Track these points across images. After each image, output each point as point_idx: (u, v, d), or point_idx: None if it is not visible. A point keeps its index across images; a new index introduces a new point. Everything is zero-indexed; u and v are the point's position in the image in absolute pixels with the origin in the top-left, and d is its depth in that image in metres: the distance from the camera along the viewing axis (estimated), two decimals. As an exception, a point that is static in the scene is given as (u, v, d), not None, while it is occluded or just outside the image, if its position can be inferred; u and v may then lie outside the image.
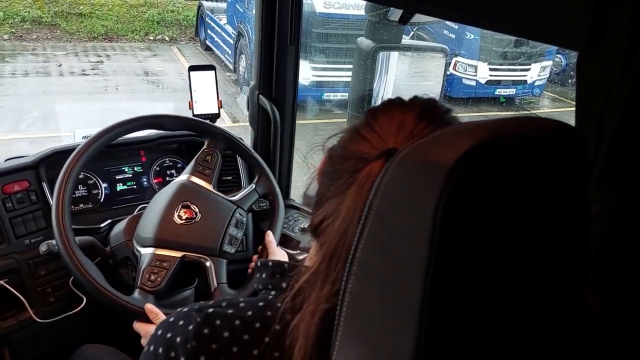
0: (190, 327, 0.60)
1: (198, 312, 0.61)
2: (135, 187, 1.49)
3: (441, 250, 0.33)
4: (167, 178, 1.54)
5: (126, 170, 1.49)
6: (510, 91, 6.76)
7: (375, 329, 0.38)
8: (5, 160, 1.33)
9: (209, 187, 1.24)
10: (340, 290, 0.40)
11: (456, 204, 0.33)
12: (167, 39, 9.06)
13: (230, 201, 1.25)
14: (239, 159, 1.52)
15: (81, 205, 1.40)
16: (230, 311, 0.61)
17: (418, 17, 1.02)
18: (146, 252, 1.14)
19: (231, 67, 7.21)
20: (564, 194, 0.39)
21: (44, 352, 1.35)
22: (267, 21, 1.44)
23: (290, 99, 1.57)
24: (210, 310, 0.61)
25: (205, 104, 1.50)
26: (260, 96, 1.56)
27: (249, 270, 1.27)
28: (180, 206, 1.18)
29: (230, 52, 7.25)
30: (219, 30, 7.68)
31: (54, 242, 1.10)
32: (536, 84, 6.79)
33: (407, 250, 0.35)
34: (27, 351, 1.31)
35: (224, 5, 7.86)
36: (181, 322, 0.61)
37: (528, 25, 0.67)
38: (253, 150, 1.37)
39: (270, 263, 0.67)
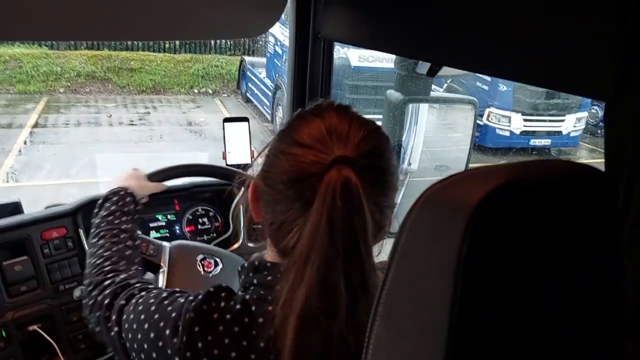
0: (193, 304, 0.67)
1: (203, 292, 0.69)
2: (168, 235, 1.52)
3: (465, 290, 0.33)
4: (199, 227, 1.56)
5: (160, 218, 1.52)
6: (545, 142, 6.74)
7: None
8: (46, 208, 1.38)
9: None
10: (367, 331, 0.39)
11: (480, 242, 0.33)
12: (210, 91, 9.51)
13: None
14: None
15: None
16: (223, 294, 0.68)
17: (445, 70, 1.05)
18: None
19: (269, 117, 7.49)
20: (592, 238, 0.38)
21: None
22: (299, 75, 1.48)
23: None
24: (212, 289, 0.69)
25: (238, 154, 1.54)
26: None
27: None
28: (201, 257, 1.20)
29: (268, 103, 7.56)
30: (259, 83, 8.05)
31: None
32: (571, 134, 6.76)
33: (431, 291, 0.35)
34: None
35: (263, 60, 8.27)
36: (191, 297, 0.69)
37: (554, 77, 0.67)
38: None
39: (245, 265, 0.72)
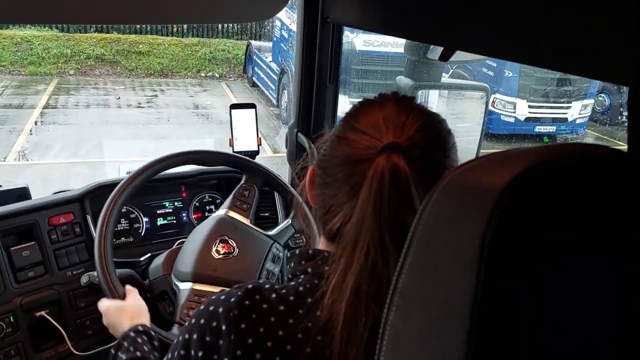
0: (232, 299, 0.64)
1: (238, 288, 0.66)
2: (175, 221, 1.52)
3: (489, 275, 0.32)
4: (206, 213, 1.55)
5: (167, 205, 1.51)
6: (551, 128, 6.74)
7: (417, 357, 0.37)
8: (53, 194, 1.38)
9: (246, 221, 1.24)
10: (382, 321, 0.39)
11: (506, 226, 0.33)
12: (217, 75, 9.57)
13: (267, 236, 1.24)
14: (276, 195, 1.53)
15: (122, 238, 1.43)
16: (267, 286, 0.65)
17: (458, 56, 1.02)
18: (184, 287, 1.13)
19: (274, 102, 7.55)
20: (619, 219, 0.37)
21: None
22: (307, 60, 1.46)
23: None
24: (250, 286, 0.65)
25: (245, 141, 1.53)
26: (299, 134, 1.56)
27: None
28: (218, 241, 1.18)
29: (274, 87, 7.61)
30: (265, 67, 8.09)
31: (95, 274, 1.12)
32: (577, 122, 6.75)
33: (452, 277, 0.34)
34: None
35: (270, 44, 8.30)
36: (223, 297, 0.66)
37: (575, 61, 0.65)
38: (290, 186, 1.38)
39: (296, 252, 0.70)
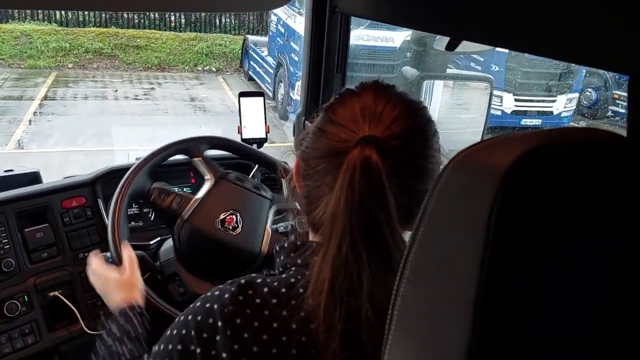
0: (226, 296, 0.65)
1: (231, 284, 0.67)
2: None
3: (495, 250, 0.34)
4: None
5: (176, 190, 1.50)
6: (536, 121, 6.89)
7: (427, 330, 0.38)
8: (65, 178, 1.41)
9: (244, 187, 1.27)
10: (393, 293, 0.40)
11: (511, 205, 0.34)
12: (214, 69, 9.72)
13: (265, 197, 1.27)
14: (284, 182, 1.59)
15: (133, 223, 1.45)
16: (259, 280, 0.66)
17: (464, 46, 1.03)
18: None
19: (271, 95, 7.70)
20: (619, 202, 0.38)
21: None
22: (315, 50, 1.47)
23: None
24: (243, 281, 0.66)
25: (253, 129, 1.53)
26: (307, 122, 1.56)
27: None
28: (221, 217, 1.20)
29: (270, 81, 7.77)
30: (261, 61, 8.26)
31: (108, 254, 1.15)
32: (562, 115, 6.91)
33: (460, 252, 0.36)
34: None
35: (266, 39, 8.46)
36: (217, 293, 0.66)
37: (577, 50, 0.66)
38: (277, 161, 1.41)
39: (285, 245, 0.72)
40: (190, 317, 0.67)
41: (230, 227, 1.19)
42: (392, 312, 0.40)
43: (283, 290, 0.64)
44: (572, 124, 7.25)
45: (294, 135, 1.66)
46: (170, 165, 1.41)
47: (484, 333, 0.34)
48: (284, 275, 0.67)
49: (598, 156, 0.38)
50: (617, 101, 7.58)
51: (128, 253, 1.11)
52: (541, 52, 0.75)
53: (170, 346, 0.67)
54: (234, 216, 1.21)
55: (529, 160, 0.35)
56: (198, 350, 0.64)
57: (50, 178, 1.45)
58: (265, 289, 0.65)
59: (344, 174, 0.59)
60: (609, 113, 7.80)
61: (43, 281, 1.26)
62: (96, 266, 1.09)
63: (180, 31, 10.42)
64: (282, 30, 7.35)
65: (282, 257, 0.71)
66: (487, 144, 0.39)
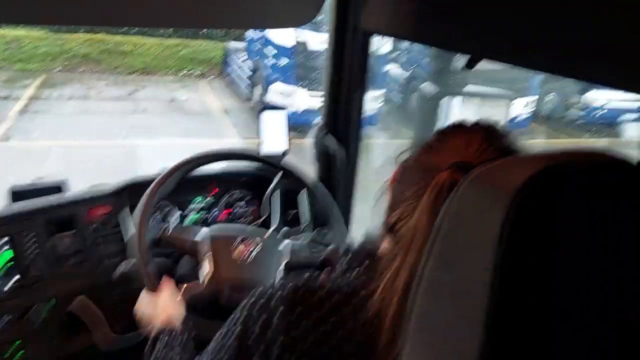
0: (290, 285, 0.68)
1: (287, 280, 0.71)
2: (206, 217, 1.60)
3: (506, 262, 0.35)
4: (237, 209, 1.64)
5: (198, 200, 1.57)
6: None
7: (442, 340, 0.39)
8: (90, 187, 1.45)
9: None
10: (409, 301, 0.41)
11: (522, 222, 0.35)
12: (197, 74, 10.08)
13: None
14: (305, 195, 1.53)
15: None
16: (322, 276, 0.70)
17: (483, 64, 1.03)
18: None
19: (249, 97, 8.09)
20: (628, 222, 0.39)
21: None
22: (336, 66, 1.51)
23: (355, 140, 1.60)
24: (307, 275, 0.71)
25: (272, 144, 1.52)
26: (326, 136, 1.60)
27: None
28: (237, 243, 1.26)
29: (248, 84, 8.15)
30: (240, 65, 8.67)
31: (132, 261, 1.19)
32: (521, 118, 7.25)
33: (474, 265, 0.37)
34: None
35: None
36: (279, 284, 0.70)
37: (598, 71, 0.67)
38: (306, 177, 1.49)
39: (353, 246, 0.75)
40: (252, 299, 0.71)
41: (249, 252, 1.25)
42: (408, 323, 0.42)
43: (346, 289, 0.67)
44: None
45: (314, 149, 1.67)
46: (194, 177, 1.43)
47: (497, 344, 0.35)
48: (347, 275, 0.71)
49: (604, 178, 0.39)
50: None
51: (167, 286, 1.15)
52: (561, 71, 0.76)
53: (228, 328, 0.72)
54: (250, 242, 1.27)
55: (539, 180, 0.36)
56: (257, 331, 0.67)
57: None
58: (329, 285, 0.68)
59: (431, 190, 0.61)
60: (567, 117, 8.14)
61: (70, 286, 1.30)
62: (142, 296, 1.15)
63: (169, 37, 10.75)
64: (255, 37, 7.78)
65: (349, 257, 0.74)
66: (500, 164, 0.41)
